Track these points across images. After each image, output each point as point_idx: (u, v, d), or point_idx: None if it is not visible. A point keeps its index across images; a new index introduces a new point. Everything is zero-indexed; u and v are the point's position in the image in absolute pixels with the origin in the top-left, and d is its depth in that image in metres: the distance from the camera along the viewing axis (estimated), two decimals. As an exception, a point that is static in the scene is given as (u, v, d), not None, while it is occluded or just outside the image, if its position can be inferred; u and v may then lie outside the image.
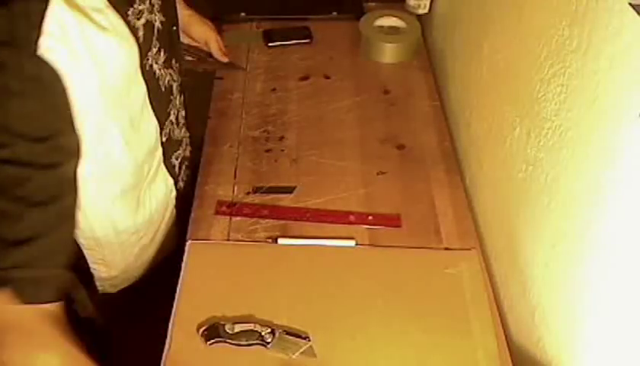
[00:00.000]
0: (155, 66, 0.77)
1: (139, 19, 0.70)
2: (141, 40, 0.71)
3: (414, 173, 1.06)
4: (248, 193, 1.01)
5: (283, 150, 1.08)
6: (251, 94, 1.20)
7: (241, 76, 1.24)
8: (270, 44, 1.32)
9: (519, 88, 0.83)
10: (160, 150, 0.85)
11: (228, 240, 0.94)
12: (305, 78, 1.24)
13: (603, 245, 0.62)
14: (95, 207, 0.77)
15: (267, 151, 1.08)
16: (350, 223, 0.96)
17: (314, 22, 1.36)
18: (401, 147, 1.11)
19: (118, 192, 0.79)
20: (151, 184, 0.86)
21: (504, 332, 0.85)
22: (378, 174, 1.05)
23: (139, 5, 0.71)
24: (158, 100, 0.79)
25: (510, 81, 0.87)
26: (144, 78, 0.74)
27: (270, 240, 0.94)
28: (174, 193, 0.93)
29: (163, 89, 0.81)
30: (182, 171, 0.96)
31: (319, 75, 1.25)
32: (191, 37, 1.16)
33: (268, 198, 0.98)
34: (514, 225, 0.86)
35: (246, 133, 1.12)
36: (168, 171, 0.89)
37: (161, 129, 0.82)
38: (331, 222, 0.96)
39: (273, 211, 0.97)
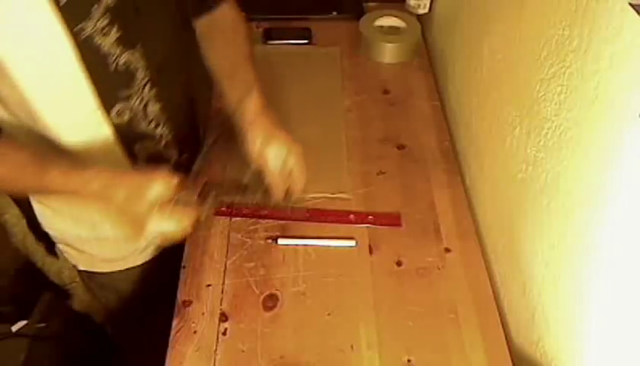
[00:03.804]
0: (100, 40, 0.76)
1: None
2: (62, 2, 0.69)
3: (414, 173, 1.06)
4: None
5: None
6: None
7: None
8: (269, 42, 1.32)
9: (519, 88, 0.83)
10: (109, 129, 0.83)
11: (228, 240, 0.94)
12: (305, 78, 1.24)
13: (603, 245, 0.62)
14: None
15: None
16: (350, 222, 0.96)
17: (314, 22, 1.36)
18: (401, 147, 1.11)
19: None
20: (88, 147, 0.84)
21: (504, 332, 0.85)
22: (378, 174, 1.05)
23: None
24: (103, 76, 0.78)
25: (510, 81, 0.87)
26: (77, 46, 0.73)
27: (270, 240, 0.94)
28: None
29: (113, 67, 0.79)
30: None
31: (319, 75, 1.25)
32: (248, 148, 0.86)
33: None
34: (514, 225, 0.86)
35: (246, 133, 1.12)
36: (128, 158, 0.87)
37: (110, 106, 0.81)
38: (331, 222, 0.96)
39: (273, 211, 0.97)
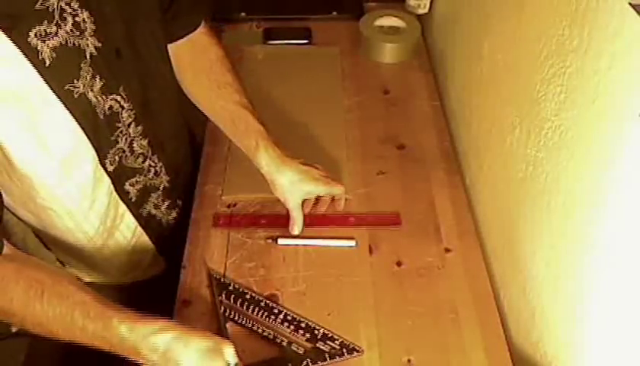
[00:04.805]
0: (91, 94, 0.74)
1: (44, 41, 0.66)
2: (48, 63, 0.67)
3: (414, 173, 1.06)
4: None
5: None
6: (250, 94, 1.20)
7: (242, 76, 1.24)
8: (269, 42, 1.32)
9: (519, 88, 0.83)
10: (107, 179, 0.82)
11: (228, 240, 0.94)
12: (305, 78, 1.24)
13: (603, 245, 0.62)
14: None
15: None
16: (350, 225, 0.96)
17: (314, 22, 1.36)
18: (401, 147, 1.11)
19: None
20: (93, 204, 0.83)
21: (504, 332, 0.85)
22: (378, 174, 1.05)
23: (49, 27, 0.66)
24: (94, 128, 0.76)
25: (510, 81, 0.87)
26: (65, 105, 0.70)
27: (270, 240, 0.94)
28: (128, 218, 0.90)
29: (102, 116, 0.77)
30: (149, 201, 0.93)
31: (319, 75, 1.25)
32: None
33: (268, 198, 0.98)
34: (514, 225, 0.86)
35: (246, 133, 1.11)
36: (121, 198, 0.86)
37: (104, 157, 0.79)
38: (331, 225, 0.95)
39: (272, 220, 0.96)
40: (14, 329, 1.24)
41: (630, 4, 0.54)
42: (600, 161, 0.62)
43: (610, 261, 0.61)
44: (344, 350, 0.80)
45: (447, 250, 0.94)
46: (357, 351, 0.80)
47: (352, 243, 0.94)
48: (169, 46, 0.91)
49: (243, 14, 1.38)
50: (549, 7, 0.72)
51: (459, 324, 0.85)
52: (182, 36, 0.92)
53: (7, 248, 0.71)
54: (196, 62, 0.94)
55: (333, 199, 0.97)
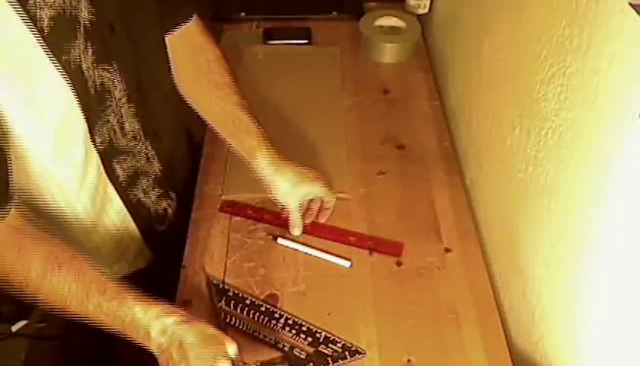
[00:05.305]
0: (84, 66, 0.73)
1: (42, 9, 0.66)
2: (46, 31, 0.66)
3: (414, 173, 1.06)
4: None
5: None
6: (250, 94, 1.20)
7: (241, 76, 1.24)
8: (269, 42, 1.32)
9: (519, 88, 0.83)
10: (96, 156, 0.80)
11: (228, 240, 0.94)
12: (305, 78, 1.24)
13: (603, 245, 0.62)
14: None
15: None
16: (350, 244, 0.94)
17: (314, 22, 1.36)
18: (401, 147, 1.11)
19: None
20: (84, 181, 0.81)
21: (504, 332, 0.85)
22: (378, 174, 1.05)
23: None
24: (87, 100, 0.75)
25: (510, 81, 0.87)
26: (63, 75, 0.70)
27: (270, 236, 0.94)
28: (116, 202, 0.88)
29: (93, 90, 0.75)
30: (138, 185, 0.91)
31: (319, 75, 1.25)
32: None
33: (268, 198, 0.98)
34: (514, 225, 0.86)
35: (246, 133, 1.11)
36: (109, 178, 0.84)
37: (93, 131, 0.78)
38: (331, 239, 0.94)
39: (276, 217, 0.96)
40: (14, 329, 1.24)
41: (630, 4, 0.54)
42: (600, 161, 0.62)
43: (610, 261, 0.61)
44: (347, 353, 0.80)
45: (447, 250, 0.94)
46: (360, 354, 0.80)
47: (347, 264, 0.91)
48: (168, 46, 0.91)
49: (243, 14, 1.38)
50: (549, 7, 0.72)
51: (458, 324, 0.85)
52: (174, 28, 0.91)
53: (21, 221, 0.71)
54: (194, 61, 0.93)
55: (320, 208, 0.97)
